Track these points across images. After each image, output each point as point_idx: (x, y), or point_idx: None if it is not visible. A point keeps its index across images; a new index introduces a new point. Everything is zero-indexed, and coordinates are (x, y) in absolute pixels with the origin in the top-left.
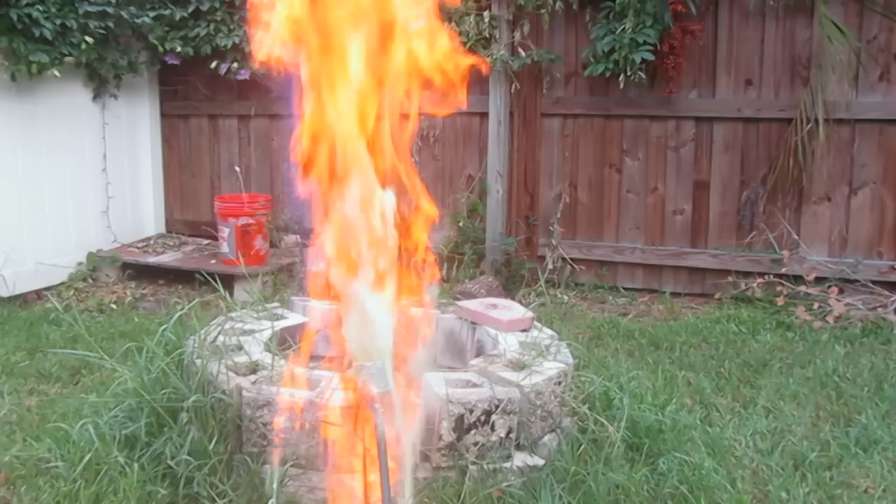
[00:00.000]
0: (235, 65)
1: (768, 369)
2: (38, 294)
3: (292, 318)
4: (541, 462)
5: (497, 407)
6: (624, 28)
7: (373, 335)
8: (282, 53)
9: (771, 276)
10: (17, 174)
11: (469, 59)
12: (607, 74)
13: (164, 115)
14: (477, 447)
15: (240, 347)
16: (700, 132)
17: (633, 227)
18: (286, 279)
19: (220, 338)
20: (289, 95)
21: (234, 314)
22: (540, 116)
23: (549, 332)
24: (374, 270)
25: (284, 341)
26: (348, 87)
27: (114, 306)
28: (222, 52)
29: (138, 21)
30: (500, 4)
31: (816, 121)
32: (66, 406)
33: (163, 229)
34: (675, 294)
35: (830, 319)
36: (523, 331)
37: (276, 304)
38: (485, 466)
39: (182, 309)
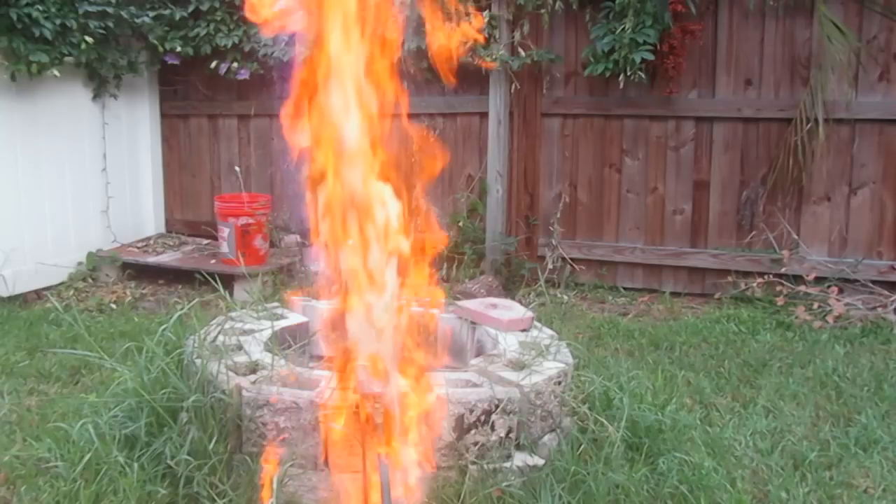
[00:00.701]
0: (235, 65)
1: (768, 369)
2: (38, 294)
3: (292, 318)
4: (541, 462)
5: (497, 407)
6: (624, 28)
7: (373, 335)
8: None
9: (771, 276)
10: (17, 174)
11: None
12: (607, 74)
13: (164, 115)
14: (477, 447)
15: (240, 347)
16: (700, 132)
17: (632, 227)
18: (286, 279)
19: (220, 338)
20: (288, 95)
21: (233, 314)
22: (540, 116)
23: (549, 331)
24: (375, 270)
25: (284, 341)
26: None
27: (114, 306)
28: (222, 52)
29: (138, 21)
30: (500, 4)
31: (816, 121)
32: (66, 406)
33: (163, 229)
34: (674, 294)
35: (830, 319)
36: (523, 331)
37: (275, 304)
38: (485, 466)
39: (182, 309)
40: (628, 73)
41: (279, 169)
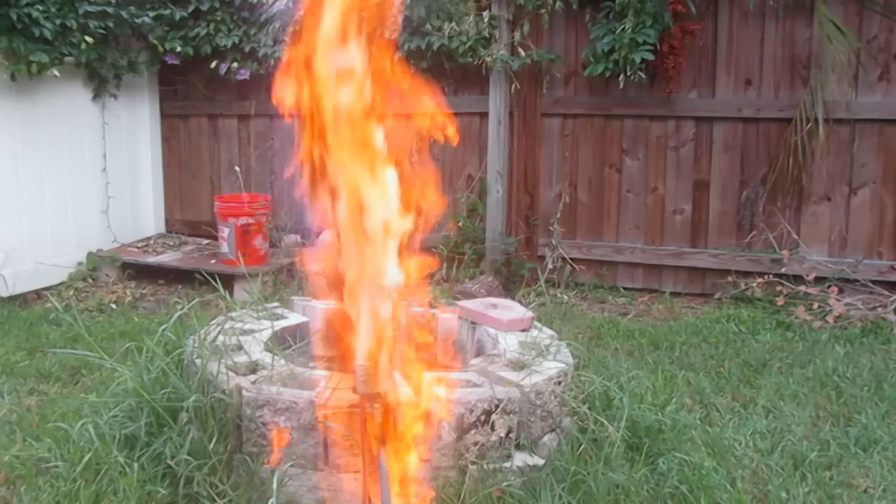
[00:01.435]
0: (235, 65)
1: (768, 369)
2: (38, 294)
3: (292, 318)
4: (541, 462)
5: (497, 407)
6: (624, 28)
7: (373, 335)
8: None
9: (771, 276)
10: (17, 174)
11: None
12: (607, 74)
13: (163, 115)
14: (477, 447)
15: (240, 347)
16: (700, 132)
17: (632, 227)
18: (286, 279)
19: (220, 338)
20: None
21: (233, 314)
22: (540, 116)
23: (549, 331)
24: (376, 270)
25: (284, 341)
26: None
27: (114, 306)
28: (222, 52)
29: (138, 21)
30: (500, 4)
31: (816, 121)
32: (66, 406)
33: (163, 229)
34: (674, 294)
35: (830, 319)
36: (523, 330)
37: (275, 304)
38: (485, 466)
39: (182, 309)
40: (628, 73)
41: (279, 169)
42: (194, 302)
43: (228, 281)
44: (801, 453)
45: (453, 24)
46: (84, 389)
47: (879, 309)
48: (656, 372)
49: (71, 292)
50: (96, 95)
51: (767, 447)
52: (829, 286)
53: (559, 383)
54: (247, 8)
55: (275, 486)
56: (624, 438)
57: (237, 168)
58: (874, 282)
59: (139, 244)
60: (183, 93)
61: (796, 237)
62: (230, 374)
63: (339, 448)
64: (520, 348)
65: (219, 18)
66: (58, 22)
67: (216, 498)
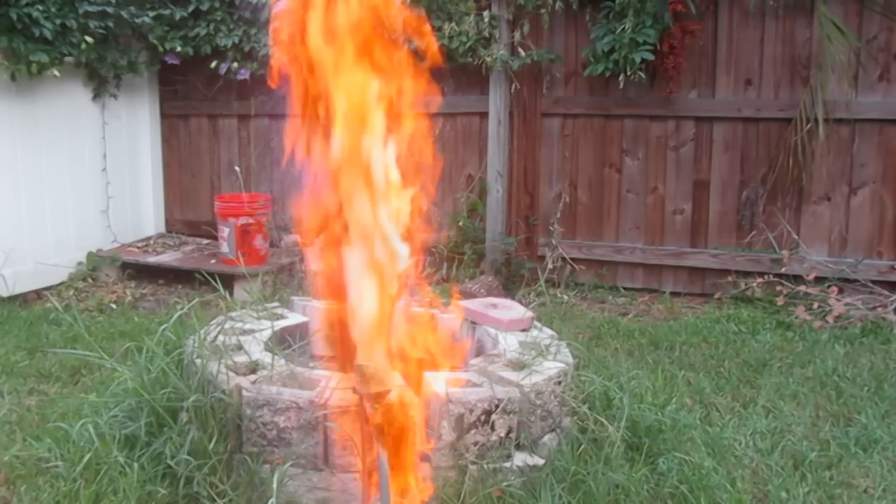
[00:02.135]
0: (235, 65)
1: (768, 369)
2: (38, 294)
3: (292, 318)
4: (541, 462)
5: (497, 407)
6: (624, 28)
7: (372, 334)
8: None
9: (771, 276)
10: (16, 174)
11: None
12: (607, 74)
13: (164, 115)
14: (477, 447)
15: (240, 347)
16: (700, 132)
17: (632, 227)
18: (286, 279)
19: (220, 337)
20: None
21: (233, 314)
22: (540, 116)
23: (549, 331)
24: (376, 270)
25: (284, 341)
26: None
27: (114, 306)
28: (222, 52)
29: (138, 21)
30: (500, 4)
31: (816, 120)
32: (66, 406)
33: (163, 229)
34: (674, 294)
35: (830, 319)
36: (523, 330)
37: (275, 304)
38: (485, 466)
39: (182, 309)
40: (628, 73)
41: (279, 168)
42: (194, 302)
43: (228, 281)
44: (801, 453)
45: (453, 24)
46: (84, 389)
47: (879, 309)
48: (656, 372)
49: (71, 292)
50: (96, 95)
51: (767, 447)
52: (829, 286)
53: (559, 383)
54: (247, 8)
55: (275, 486)
56: (624, 438)
57: (237, 168)
58: (874, 282)
59: (139, 244)
60: (183, 93)
61: (796, 237)
62: (230, 374)
63: (339, 448)
64: (520, 348)
65: (219, 18)
66: (58, 22)
67: (216, 498)
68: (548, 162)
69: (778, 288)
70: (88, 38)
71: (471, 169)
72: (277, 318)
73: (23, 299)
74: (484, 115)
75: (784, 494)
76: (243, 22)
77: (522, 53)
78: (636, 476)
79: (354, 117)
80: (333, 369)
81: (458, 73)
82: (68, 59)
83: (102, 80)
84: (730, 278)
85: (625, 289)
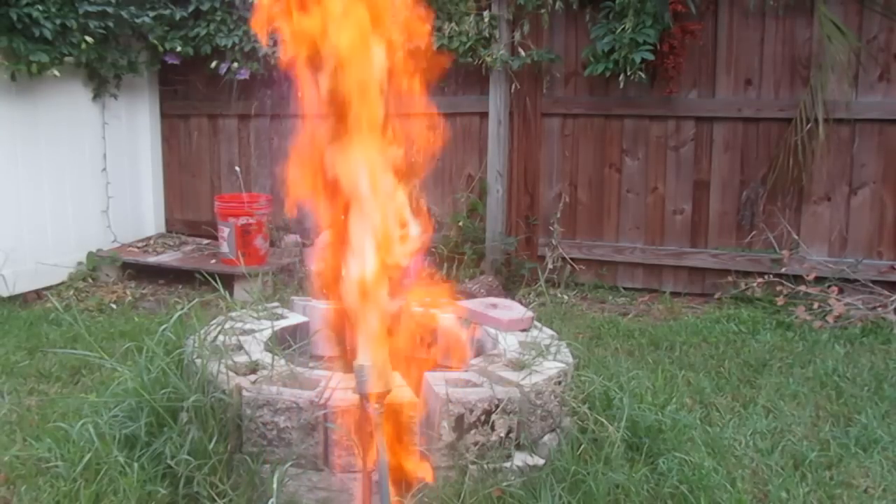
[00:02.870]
0: (235, 65)
1: (768, 369)
2: (38, 294)
3: (292, 318)
4: (541, 462)
5: (497, 407)
6: (624, 28)
7: (372, 335)
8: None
9: (771, 276)
10: (17, 174)
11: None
12: (607, 74)
13: (164, 115)
14: (477, 447)
15: (240, 347)
16: (700, 132)
17: (633, 227)
18: (286, 279)
19: (220, 337)
20: (289, 95)
21: (233, 314)
22: (540, 116)
23: (549, 331)
24: (377, 270)
25: (284, 341)
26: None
27: (114, 306)
28: (222, 52)
29: (138, 21)
30: (500, 4)
31: (816, 120)
32: (66, 406)
33: (163, 229)
34: (675, 294)
35: (830, 319)
36: (523, 330)
37: (275, 304)
38: (485, 466)
39: (182, 309)
40: (628, 73)
41: (279, 168)
42: (194, 302)
43: (228, 281)
44: (801, 453)
45: (453, 24)
46: (84, 389)
47: (879, 309)
48: (656, 372)
49: (71, 292)
50: (96, 95)
51: (767, 447)
52: (829, 286)
53: (559, 383)
54: (247, 8)
55: (275, 486)
56: (624, 438)
57: (237, 168)
58: (874, 282)
59: (139, 244)
60: (183, 93)
61: (796, 237)
62: (230, 374)
63: (339, 448)
64: (520, 348)
65: (219, 18)
66: (58, 22)
67: (216, 498)
68: (548, 162)
69: (778, 288)
70: (88, 38)
71: (471, 169)
72: (277, 318)
73: (23, 299)
74: (484, 115)
75: (784, 494)
76: (243, 22)
77: (522, 53)
78: (636, 476)
79: (355, 116)
80: (334, 369)
81: (458, 73)
82: (68, 59)
83: (102, 80)
84: (730, 278)
85: (625, 289)
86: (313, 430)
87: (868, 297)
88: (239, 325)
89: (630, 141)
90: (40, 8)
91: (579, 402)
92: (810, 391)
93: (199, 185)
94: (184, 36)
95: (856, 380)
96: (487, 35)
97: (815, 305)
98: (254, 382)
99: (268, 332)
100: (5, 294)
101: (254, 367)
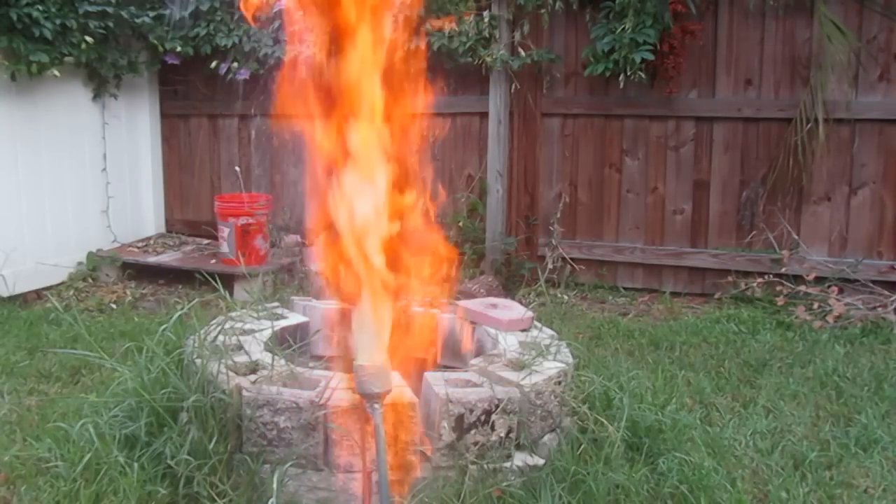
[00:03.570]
0: (235, 65)
1: (768, 369)
2: (38, 294)
3: (292, 318)
4: (541, 462)
5: (497, 407)
6: (624, 28)
7: (372, 335)
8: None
9: (771, 276)
10: (17, 174)
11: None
12: (607, 74)
13: (164, 115)
14: (477, 447)
15: (240, 347)
16: (700, 132)
17: (633, 227)
18: (286, 279)
19: (220, 337)
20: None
21: (234, 314)
22: (540, 116)
23: (549, 331)
24: (377, 271)
25: (284, 341)
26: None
27: (114, 306)
28: (222, 52)
29: (138, 21)
30: (500, 4)
31: (816, 121)
32: (66, 406)
33: (163, 229)
34: (675, 294)
35: (830, 319)
36: (523, 330)
37: (275, 304)
38: (485, 466)
39: (182, 309)
40: (628, 73)
41: (279, 169)
42: (194, 302)
43: (228, 281)
44: (801, 453)
45: (453, 24)
46: (84, 389)
47: (879, 309)
48: (656, 372)
49: (71, 292)
50: (96, 95)
51: (767, 447)
52: (829, 286)
53: (559, 383)
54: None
55: (275, 486)
56: (624, 438)
57: (237, 168)
58: (874, 282)
59: (139, 244)
60: (183, 93)
61: (796, 237)
62: (230, 374)
63: (339, 448)
64: (520, 348)
65: (219, 18)
66: (58, 22)
67: (216, 498)
68: (548, 162)
69: (778, 288)
70: (88, 38)
71: (471, 169)
72: (277, 318)
73: (23, 299)
74: (484, 115)
75: (784, 494)
76: (243, 22)
77: (522, 53)
78: (636, 476)
79: (355, 117)
80: (334, 369)
81: (458, 73)
82: (68, 59)
83: (102, 80)
84: (730, 278)
85: (625, 289)
86: (313, 430)
87: (868, 297)
88: (239, 325)
89: (630, 141)
90: (40, 8)
91: (579, 402)
92: (810, 391)
93: (199, 185)
94: (184, 36)
95: (856, 380)
96: (487, 35)
97: (815, 305)
98: (254, 382)
99: (268, 332)
100: (5, 294)
101: (254, 367)
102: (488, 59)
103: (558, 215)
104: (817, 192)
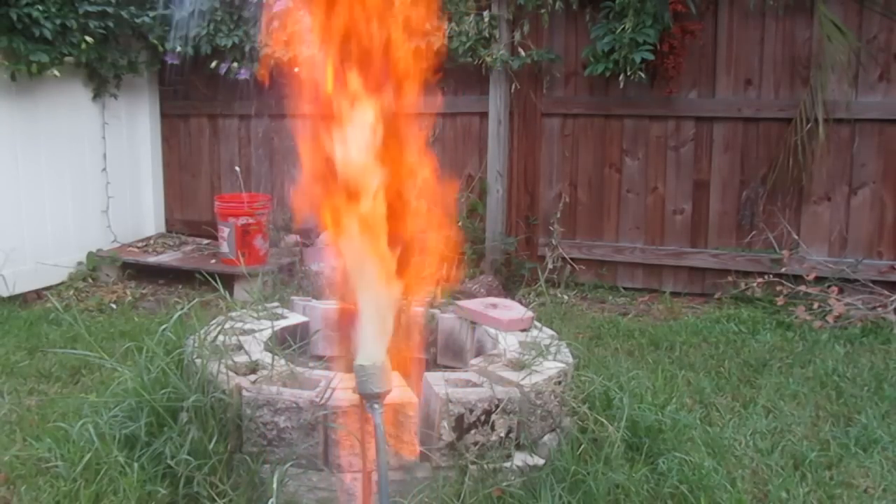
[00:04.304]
0: (235, 65)
1: (768, 369)
2: (38, 294)
3: (292, 318)
4: (541, 462)
5: (497, 407)
6: (624, 28)
7: (372, 335)
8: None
9: (771, 276)
10: (17, 174)
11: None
12: (607, 74)
13: (164, 115)
14: (477, 447)
15: (240, 347)
16: (700, 132)
17: (632, 227)
18: (286, 279)
19: (220, 337)
20: (289, 95)
21: (233, 314)
22: (540, 116)
23: (549, 331)
24: (377, 270)
25: (284, 341)
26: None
27: (114, 306)
28: (222, 52)
29: (138, 21)
30: (500, 4)
31: (816, 120)
32: (66, 406)
33: (163, 229)
34: (674, 294)
35: (830, 319)
36: (523, 330)
37: (275, 304)
38: (485, 466)
39: (182, 309)
40: (628, 73)
41: (279, 169)
42: (194, 302)
43: (228, 281)
44: (801, 453)
45: (453, 24)
46: (84, 389)
47: (879, 309)
48: (656, 372)
49: (71, 292)
50: (96, 95)
51: (767, 447)
52: (829, 286)
53: (559, 383)
54: (247, 8)
55: (275, 486)
56: (624, 438)
57: (237, 168)
58: (874, 282)
59: (139, 244)
60: (183, 93)
61: (796, 237)
62: (230, 374)
63: (339, 448)
64: (520, 348)
65: (219, 18)
66: (58, 22)
67: (216, 498)
68: (548, 162)
69: (778, 288)
70: (88, 38)
71: (471, 169)
72: (277, 318)
73: (23, 299)
74: (484, 115)
75: (784, 494)
76: (243, 22)
77: (522, 53)
78: (636, 476)
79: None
80: (334, 369)
81: (458, 73)
82: (68, 59)
83: (102, 80)
84: (730, 278)
85: (625, 289)
86: (313, 430)
87: (868, 297)
88: (239, 325)
89: (630, 141)
90: (40, 8)
91: (579, 402)
92: (810, 391)
93: (199, 185)
94: (184, 36)
95: (856, 380)
96: (487, 35)
97: (815, 305)
98: (254, 382)
99: (268, 332)
100: (5, 294)
101: (254, 367)
102: (488, 59)
103: (558, 215)
104: (817, 192)
